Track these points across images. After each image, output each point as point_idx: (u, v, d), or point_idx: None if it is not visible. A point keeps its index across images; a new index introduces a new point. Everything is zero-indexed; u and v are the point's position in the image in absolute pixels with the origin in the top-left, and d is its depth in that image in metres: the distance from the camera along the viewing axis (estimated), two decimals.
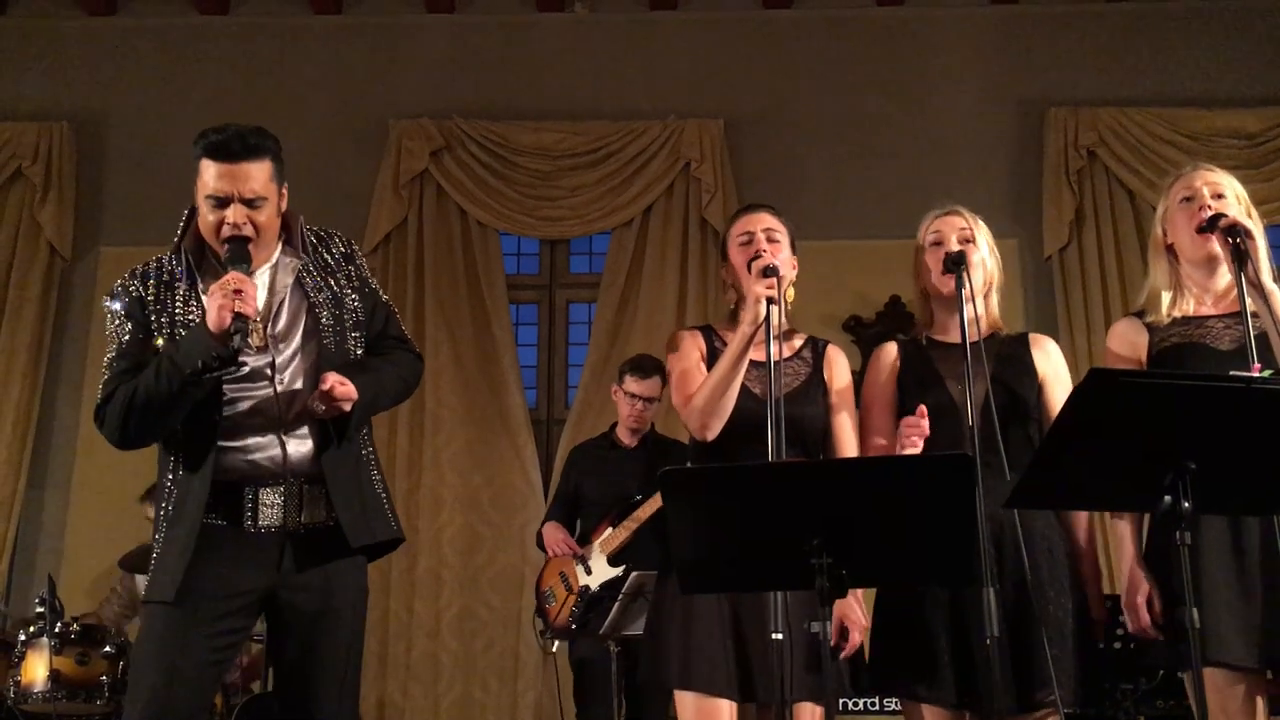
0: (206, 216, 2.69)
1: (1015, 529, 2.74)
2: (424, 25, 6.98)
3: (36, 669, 4.66)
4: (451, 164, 6.68)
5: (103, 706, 4.68)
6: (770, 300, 2.77)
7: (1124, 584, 2.88)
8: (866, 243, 6.37)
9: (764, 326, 2.76)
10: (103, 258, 6.61)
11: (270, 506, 2.70)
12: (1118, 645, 4.29)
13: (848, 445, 3.00)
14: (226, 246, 2.66)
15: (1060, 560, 2.87)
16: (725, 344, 2.94)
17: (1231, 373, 2.48)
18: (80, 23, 6.99)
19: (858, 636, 2.85)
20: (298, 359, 2.74)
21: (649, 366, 4.90)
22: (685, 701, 2.79)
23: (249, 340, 2.63)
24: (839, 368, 3.07)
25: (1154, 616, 2.80)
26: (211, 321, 2.54)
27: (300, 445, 2.71)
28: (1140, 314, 3.04)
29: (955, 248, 2.95)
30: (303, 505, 2.71)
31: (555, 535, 4.85)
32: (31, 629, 4.74)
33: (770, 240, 2.98)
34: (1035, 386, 2.96)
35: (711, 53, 6.89)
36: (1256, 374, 2.57)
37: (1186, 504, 2.19)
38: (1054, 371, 3.00)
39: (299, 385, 2.72)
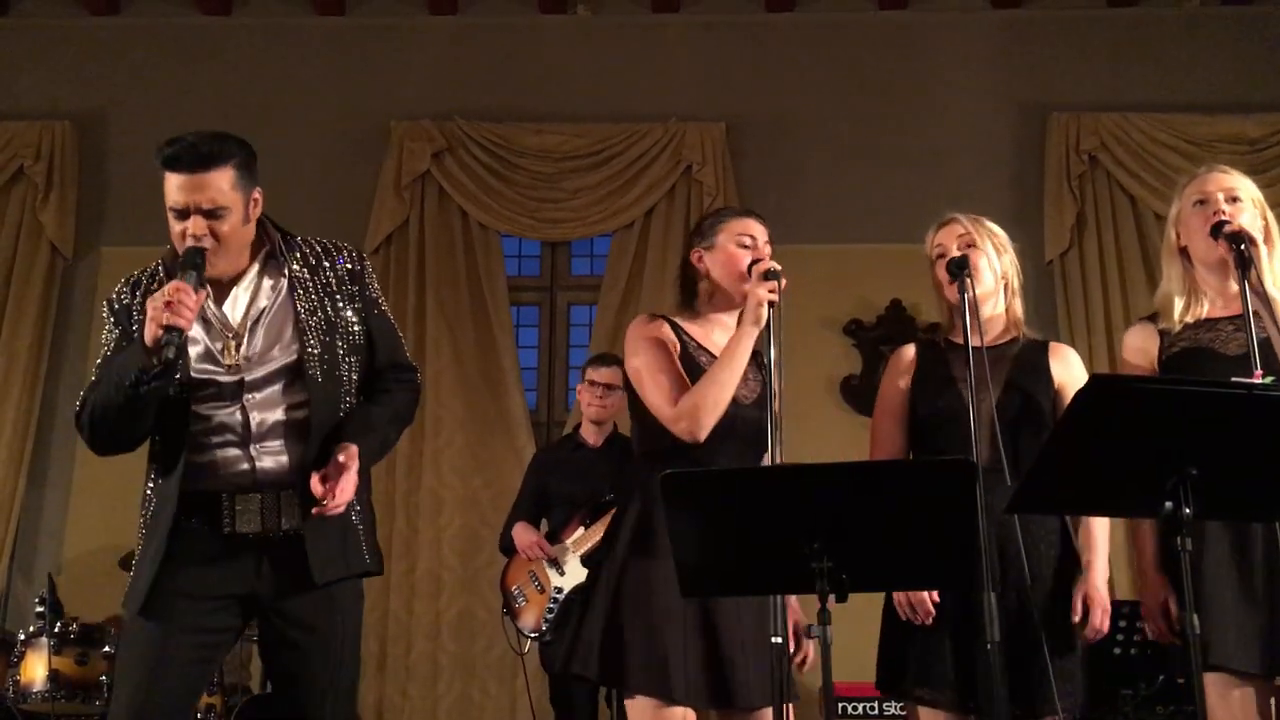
0: (173, 227, 2.66)
1: (1018, 534, 2.74)
2: (426, 26, 6.98)
3: (36, 669, 4.66)
4: (453, 165, 6.68)
5: (102, 707, 4.68)
6: (771, 304, 2.77)
7: (1142, 590, 2.87)
8: (867, 246, 6.37)
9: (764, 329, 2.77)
10: (104, 258, 6.61)
11: (247, 513, 2.64)
12: (1117, 650, 4.30)
13: None
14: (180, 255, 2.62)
15: (1064, 566, 2.87)
16: (691, 338, 2.94)
17: (1233, 379, 2.48)
18: (82, 22, 6.98)
19: (808, 645, 2.83)
20: (270, 376, 2.67)
21: (607, 358, 4.96)
22: (641, 708, 2.71)
23: (211, 357, 2.64)
24: None
25: (1172, 622, 2.79)
26: (145, 335, 2.49)
27: (271, 461, 2.65)
28: (1153, 318, 3.02)
29: (957, 254, 2.95)
30: (281, 511, 2.64)
31: (528, 537, 4.81)
32: (31, 629, 4.75)
33: None
34: (1051, 396, 2.94)
35: (714, 56, 6.89)
36: (1258, 381, 2.57)
37: (1188, 510, 2.19)
38: (1072, 381, 2.94)
39: (269, 410, 2.66)
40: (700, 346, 2.95)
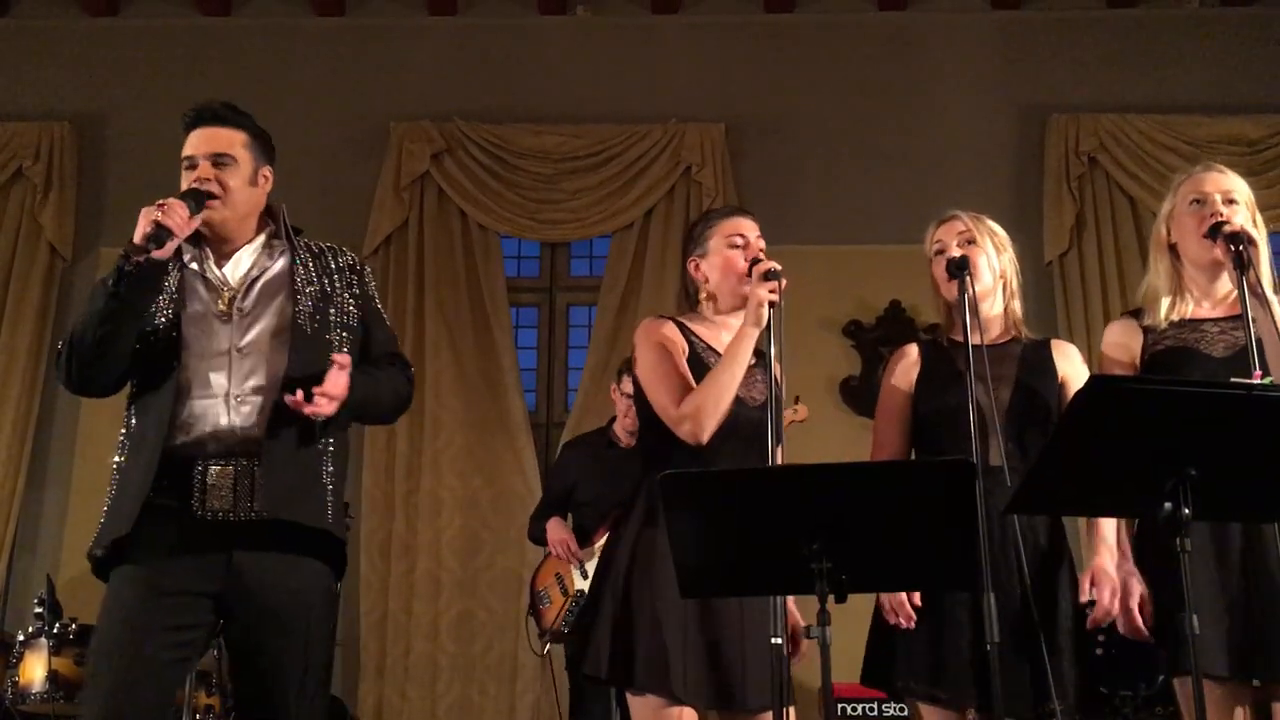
0: (183, 183, 2.73)
1: (1018, 534, 2.74)
2: (425, 27, 6.99)
3: (35, 669, 4.65)
4: (452, 166, 6.69)
5: None
6: (772, 304, 2.77)
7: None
8: (867, 248, 6.38)
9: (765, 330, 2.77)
10: (103, 258, 6.60)
11: (219, 488, 2.62)
12: (1116, 651, 4.29)
13: None
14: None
15: (1065, 566, 2.87)
16: (699, 339, 2.94)
17: (1232, 379, 2.48)
18: (82, 23, 7.00)
19: (805, 644, 2.83)
20: (261, 331, 2.71)
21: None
22: (644, 706, 2.72)
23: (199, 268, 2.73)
24: None
25: (1146, 620, 2.80)
26: (135, 235, 2.58)
27: (248, 420, 2.64)
28: (1137, 314, 3.02)
29: (957, 253, 2.95)
30: (254, 490, 2.62)
31: (561, 535, 4.81)
32: (30, 629, 4.74)
33: None
34: (1057, 392, 2.94)
35: (713, 57, 6.90)
36: (1257, 381, 2.57)
37: (1186, 510, 2.19)
38: (1075, 373, 2.95)
39: (255, 364, 2.68)
40: (708, 348, 2.95)
